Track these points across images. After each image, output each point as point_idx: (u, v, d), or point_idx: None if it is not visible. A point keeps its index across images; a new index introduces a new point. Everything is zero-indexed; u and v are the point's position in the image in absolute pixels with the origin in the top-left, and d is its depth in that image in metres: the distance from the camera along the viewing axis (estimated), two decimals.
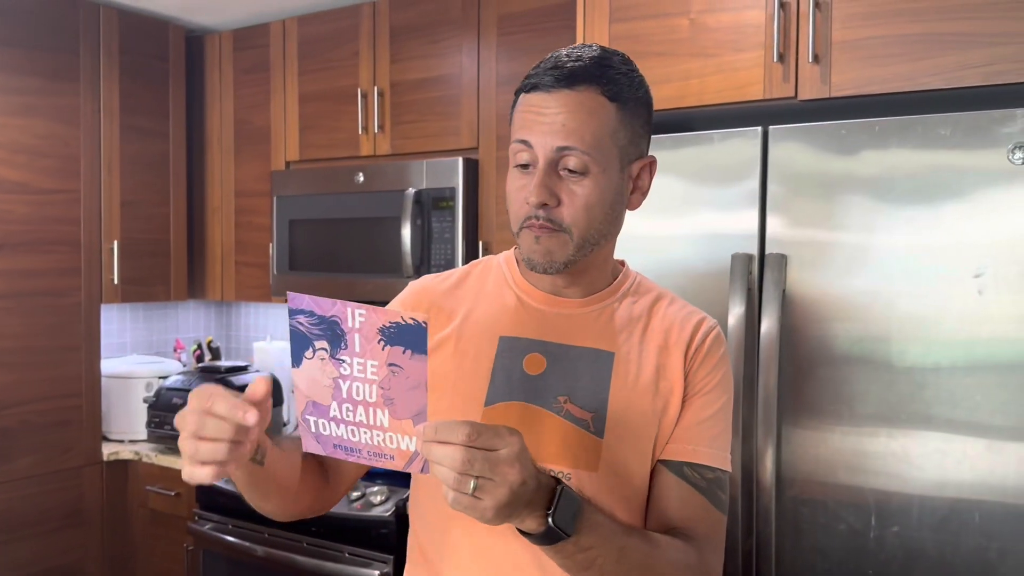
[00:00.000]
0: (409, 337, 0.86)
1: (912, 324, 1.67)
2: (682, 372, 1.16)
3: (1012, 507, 1.59)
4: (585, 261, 1.15)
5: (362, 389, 0.87)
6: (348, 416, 0.89)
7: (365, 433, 0.89)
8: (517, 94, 1.14)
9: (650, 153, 1.19)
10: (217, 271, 3.41)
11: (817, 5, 1.83)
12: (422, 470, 0.89)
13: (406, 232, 2.71)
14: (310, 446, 0.92)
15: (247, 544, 2.66)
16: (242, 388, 2.97)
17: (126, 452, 3.08)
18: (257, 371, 3.18)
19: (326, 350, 0.87)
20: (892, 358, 1.69)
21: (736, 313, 1.79)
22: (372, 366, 0.87)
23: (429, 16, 2.82)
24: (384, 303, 1.15)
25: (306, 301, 0.87)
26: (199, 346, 3.63)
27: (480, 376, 1.15)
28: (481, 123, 2.72)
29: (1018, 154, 1.58)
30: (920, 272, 1.66)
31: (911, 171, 1.67)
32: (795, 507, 1.79)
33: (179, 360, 3.58)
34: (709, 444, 1.15)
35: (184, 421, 0.90)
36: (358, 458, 0.91)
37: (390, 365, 0.87)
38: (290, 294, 0.87)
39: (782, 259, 1.78)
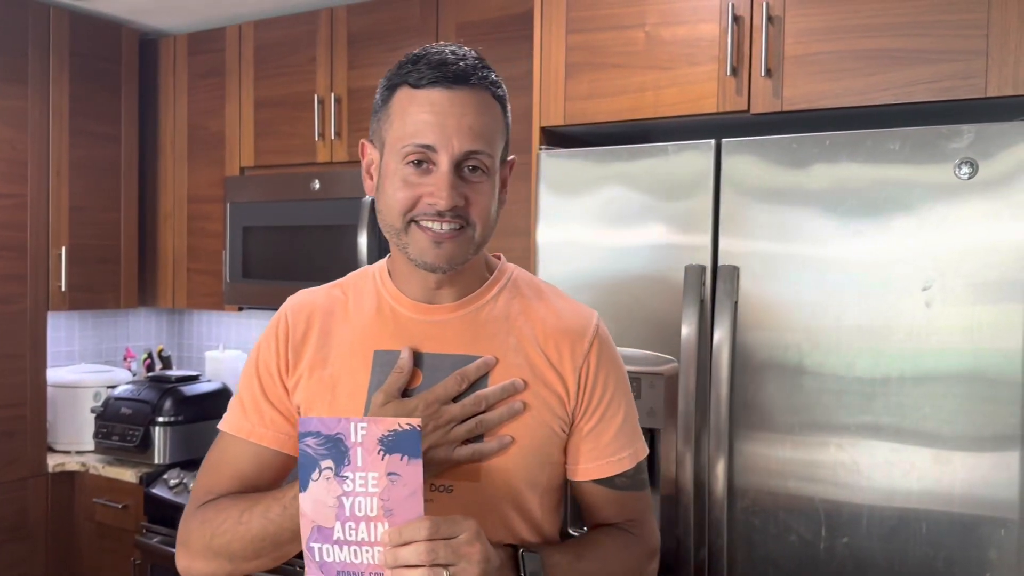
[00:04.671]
0: (405, 443, 0.93)
1: (862, 336, 1.69)
2: (575, 380, 1.16)
3: (958, 516, 1.61)
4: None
5: (363, 504, 0.93)
6: (351, 536, 0.93)
7: (367, 552, 0.94)
8: (393, 89, 1.11)
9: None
10: (169, 278, 3.35)
11: (770, 20, 1.85)
12: None
13: (362, 240, 2.69)
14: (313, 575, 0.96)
15: None
16: (193, 397, 2.89)
17: (72, 463, 3.01)
18: (208, 380, 3.13)
19: (331, 468, 0.93)
20: (842, 369, 1.70)
21: (689, 324, 1.80)
22: (373, 478, 0.93)
23: (387, 23, 2.81)
24: None
25: (314, 423, 0.94)
26: (149, 355, 3.56)
27: (356, 395, 1.14)
28: None
29: (964, 169, 1.60)
30: (869, 285, 1.68)
31: (861, 185, 1.69)
32: (746, 518, 1.80)
33: (129, 369, 3.51)
34: (630, 444, 1.20)
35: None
36: None
37: (389, 475, 0.93)
38: (300, 419, 0.95)
39: (734, 271, 1.79)
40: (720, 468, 1.78)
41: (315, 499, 0.93)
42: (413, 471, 0.93)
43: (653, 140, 1.97)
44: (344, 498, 0.93)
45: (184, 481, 2.75)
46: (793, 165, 1.75)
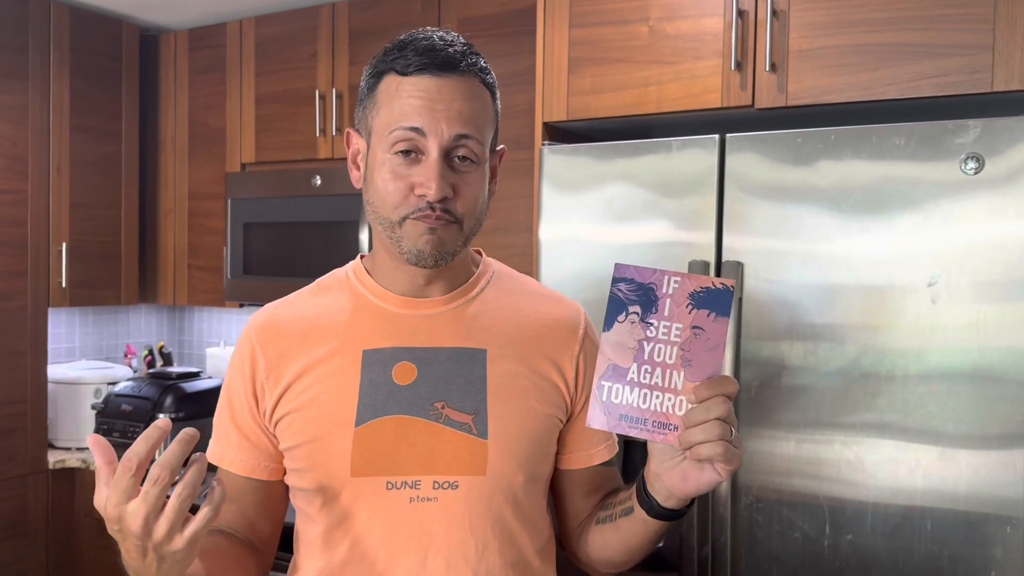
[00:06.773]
0: (715, 301, 0.95)
1: (866, 333, 1.68)
2: (574, 368, 1.17)
3: (963, 514, 1.61)
4: None
5: (663, 351, 0.95)
6: (644, 379, 0.96)
7: (656, 398, 0.95)
8: (379, 76, 1.09)
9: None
10: (169, 275, 3.34)
11: (775, 14, 1.84)
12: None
13: (364, 236, 2.68)
14: (595, 419, 0.97)
15: None
16: (194, 394, 2.88)
17: (73, 460, 3.00)
18: (209, 377, 3.12)
19: (638, 314, 0.96)
20: (847, 366, 1.69)
21: None
22: (677, 329, 0.95)
23: (389, 19, 2.79)
24: None
25: (630, 270, 0.97)
26: (150, 352, 3.55)
27: (347, 396, 1.10)
28: None
29: (970, 164, 1.59)
30: (874, 281, 1.67)
31: (866, 180, 1.68)
32: (751, 515, 1.79)
33: (130, 366, 3.50)
34: (608, 437, 1.22)
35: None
36: (640, 431, 0.96)
37: (693, 328, 0.95)
38: (617, 264, 0.97)
39: (738, 267, 1.78)
40: None
41: (616, 340, 0.96)
42: (718, 328, 0.95)
43: (656, 135, 1.95)
44: (645, 342, 0.96)
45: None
46: (798, 161, 1.74)
